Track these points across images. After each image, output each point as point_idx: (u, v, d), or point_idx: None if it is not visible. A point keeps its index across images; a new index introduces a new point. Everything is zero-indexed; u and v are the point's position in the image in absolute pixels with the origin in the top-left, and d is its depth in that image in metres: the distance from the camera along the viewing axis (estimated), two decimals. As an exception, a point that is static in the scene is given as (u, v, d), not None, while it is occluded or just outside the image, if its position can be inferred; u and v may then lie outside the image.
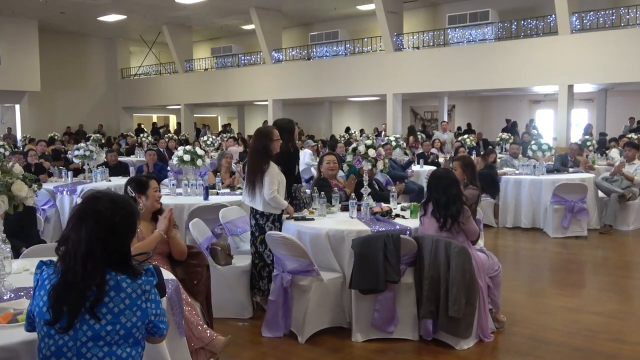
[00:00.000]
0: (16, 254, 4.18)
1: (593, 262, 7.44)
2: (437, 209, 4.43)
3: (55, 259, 2.24)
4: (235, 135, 19.22)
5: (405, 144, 13.10)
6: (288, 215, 5.04)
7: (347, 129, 21.96)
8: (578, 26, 14.42)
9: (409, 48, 17.98)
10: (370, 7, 18.66)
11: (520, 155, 10.71)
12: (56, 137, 17.72)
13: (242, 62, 22.47)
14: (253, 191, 4.90)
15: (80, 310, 2.10)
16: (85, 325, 2.11)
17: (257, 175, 4.85)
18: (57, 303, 2.10)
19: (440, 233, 4.39)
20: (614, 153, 11.77)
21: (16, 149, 13.72)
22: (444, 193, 4.41)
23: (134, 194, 3.97)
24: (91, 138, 15.85)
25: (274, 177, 4.84)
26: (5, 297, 2.90)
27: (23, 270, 3.36)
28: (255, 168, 4.88)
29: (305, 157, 11.87)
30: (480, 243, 5.03)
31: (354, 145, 5.46)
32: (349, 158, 5.44)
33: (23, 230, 5.25)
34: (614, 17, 14.20)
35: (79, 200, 6.24)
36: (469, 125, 20.97)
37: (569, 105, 14.69)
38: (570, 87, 14.60)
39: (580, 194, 8.25)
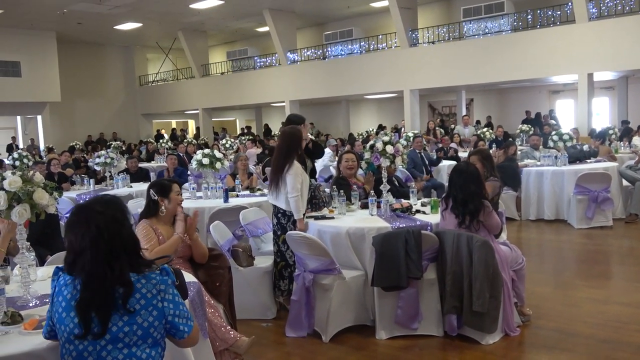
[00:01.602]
0: (41, 262, 4.24)
1: (619, 252, 7.31)
2: (455, 205, 4.39)
3: None
4: (254, 138, 19.27)
5: (424, 140, 12.98)
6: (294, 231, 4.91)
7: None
8: (595, 13, 14.20)
9: (424, 43, 17.88)
10: (384, 3, 18.61)
11: (541, 147, 10.58)
12: (77, 146, 17.96)
13: (258, 64, 22.57)
14: (277, 190, 4.93)
15: (110, 311, 2.11)
16: None
17: (280, 174, 4.88)
18: (85, 314, 2.11)
19: (460, 229, 4.34)
20: (637, 141, 11.57)
21: (39, 159, 13.93)
22: (461, 190, 4.36)
23: (156, 197, 3.97)
24: (112, 145, 16.03)
25: (297, 176, 4.86)
26: (30, 304, 2.95)
27: (48, 278, 3.40)
28: (279, 167, 4.91)
29: (325, 156, 11.85)
30: (504, 236, 4.97)
31: (371, 142, 5.43)
32: (366, 155, 5.42)
33: (47, 238, 5.34)
34: (632, 3, 13.95)
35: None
36: (488, 118, 20.78)
37: (589, 94, 14.47)
38: (590, 75, 14.38)
39: (604, 184, 8.11)
